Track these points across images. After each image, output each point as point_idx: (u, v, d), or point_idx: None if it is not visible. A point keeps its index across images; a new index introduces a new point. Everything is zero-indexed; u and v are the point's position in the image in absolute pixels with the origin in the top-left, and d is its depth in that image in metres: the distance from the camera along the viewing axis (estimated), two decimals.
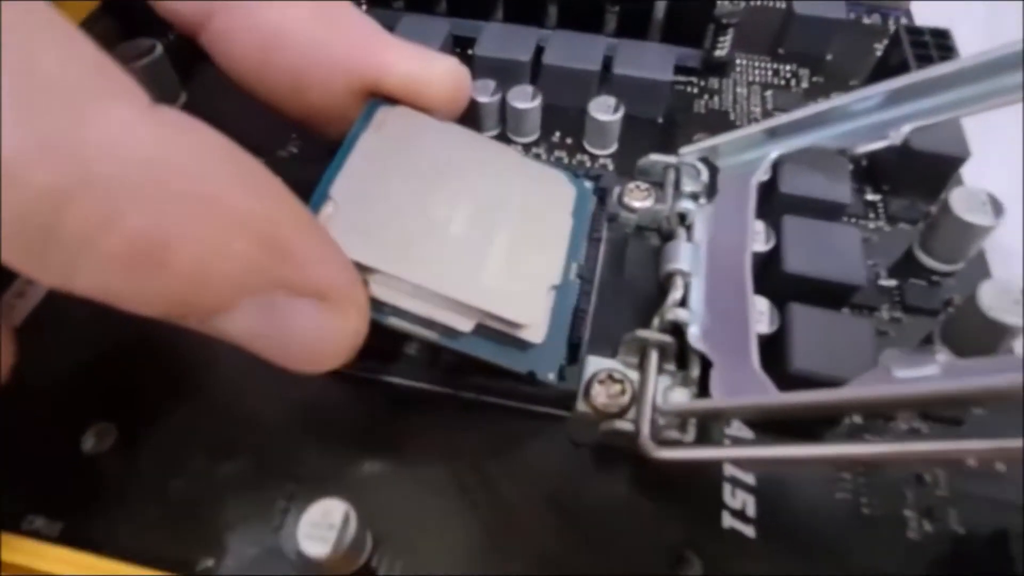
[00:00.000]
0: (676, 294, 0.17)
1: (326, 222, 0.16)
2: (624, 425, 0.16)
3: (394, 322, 0.16)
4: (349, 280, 0.14)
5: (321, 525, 0.14)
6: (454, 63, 0.19)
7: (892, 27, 0.28)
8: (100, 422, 0.17)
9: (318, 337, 0.14)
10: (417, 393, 0.18)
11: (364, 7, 0.26)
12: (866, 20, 0.28)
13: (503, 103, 0.22)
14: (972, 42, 0.21)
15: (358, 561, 0.15)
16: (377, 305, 0.15)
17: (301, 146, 0.23)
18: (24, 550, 0.14)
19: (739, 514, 0.15)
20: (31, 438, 0.16)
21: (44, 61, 0.11)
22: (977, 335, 0.17)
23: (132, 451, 0.16)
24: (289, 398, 0.17)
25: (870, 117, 0.18)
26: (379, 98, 0.19)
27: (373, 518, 0.15)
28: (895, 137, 0.17)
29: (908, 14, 0.28)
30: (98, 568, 0.14)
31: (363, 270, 0.15)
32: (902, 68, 0.22)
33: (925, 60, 0.22)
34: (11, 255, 0.11)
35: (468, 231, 0.17)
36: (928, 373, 0.13)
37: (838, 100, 0.18)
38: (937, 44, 0.23)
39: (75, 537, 0.15)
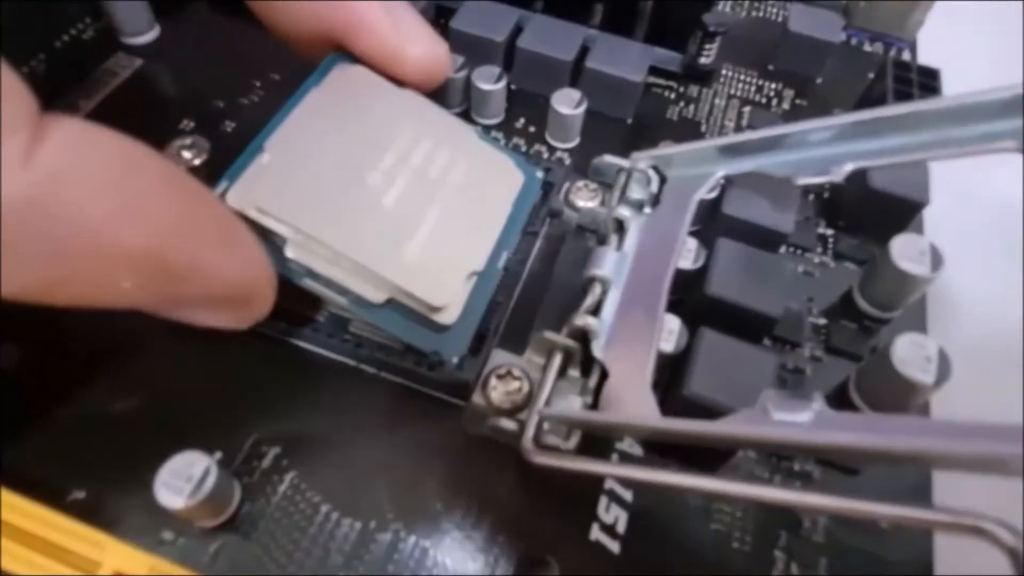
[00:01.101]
0: (590, 300, 0.17)
1: (256, 175, 0.16)
2: (508, 424, 0.16)
3: (308, 284, 0.16)
4: (251, 279, 0.14)
5: (180, 475, 0.14)
6: (435, 49, 0.18)
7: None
8: (6, 342, 0.17)
9: (218, 324, 0.15)
10: (322, 361, 0.17)
11: None
12: (866, 48, 0.27)
13: (469, 81, 0.22)
14: (979, 83, 0.21)
15: (219, 516, 0.15)
16: (293, 265, 0.15)
17: (264, 95, 0.23)
18: None
19: (609, 528, 0.15)
20: None
21: None
22: (888, 388, 0.17)
23: (31, 373, 0.17)
24: (197, 345, 0.17)
25: (819, 150, 0.17)
26: (342, 53, 0.18)
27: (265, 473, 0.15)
28: (836, 174, 0.17)
29: (912, 48, 0.27)
30: None
31: (283, 225, 0.15)
32: (881, 102, 0.22)
33: (904, 97, 0.21)
34: None
35: (400, 203, 0.17)
36: (800, 420, 0.13)
37: (790, 127, 0.17)
38: (922, 83, 0.22)
39: None
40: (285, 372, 0.17)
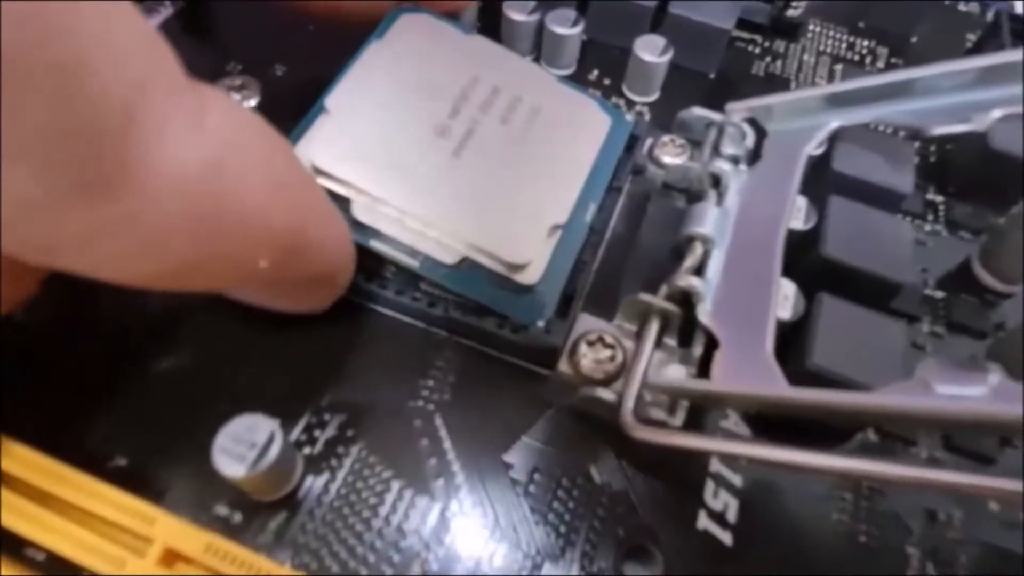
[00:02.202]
0: (692, 260, 0.15)
1: (317, 135, 0.15)
2: (606, 394, 0.14)
3: (376, 246, 0.15)
4: (346, 260, 0.14)
5: (243, 441, 0.12)
6: None
7: (990, 19, 0.25)
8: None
9: (304, 303, 0.14)
10: (391, 322, 0.16)
11: None
12: (962, 7, 0.25)
13: (540, 26, 0.20)
14: None
15: (281, 489, 0.13)
16: (360, 227, 0.15)
17: (318, 37, 0.21)
18: None
19: (718, 517, 0.14)
20: None
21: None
22: None
23: (65, 327, 0.15)
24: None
25: (954, 96, 0.15)
26: (406, 5, 0.17)
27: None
28: (979, 122, 0.15)
29: (1011, 7, 0.25)
30: None
31: (347, 188, 0.14)
32: None
33: None
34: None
35: (473, 154, 0.15)
36: (975, 393, 0.11)
37: (919, 71, 0.15)
38: None
39: None
40: (349, 333, 0.15)
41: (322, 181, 0.14)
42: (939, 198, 0.19)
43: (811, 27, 0.23)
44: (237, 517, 0.13)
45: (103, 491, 0.12)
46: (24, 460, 0.12)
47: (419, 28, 0.17)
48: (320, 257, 0.13)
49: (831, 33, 0.23)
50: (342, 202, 0.14)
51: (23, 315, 0.15)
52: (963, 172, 0.19)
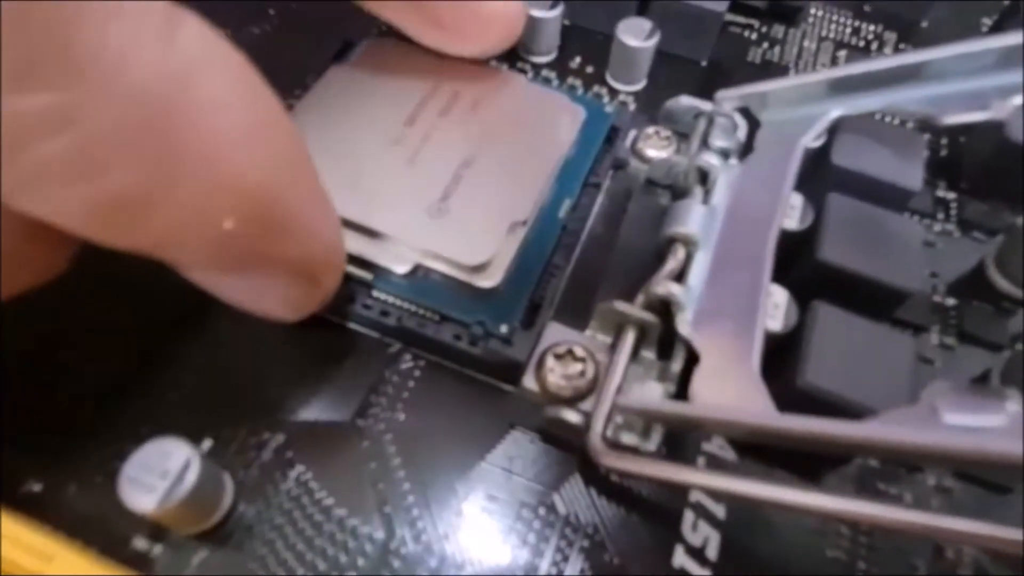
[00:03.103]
0: (673, 264, 0.14)
1: None
2: (572, 416, 0.12)
3: None
4: (334, 249, 0.12)
5: (153, 469, 0.11)
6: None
7: (1008, 0, 0.23)
8: None
9: (290, 303, 0.12)
10: (338, 332, 0.14)
11: None
12: None
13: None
14: None
15: (205, 521, 0.12)
16: None
17: (279, 25, 0.20)
18: None
19: (696, 553, 0.12)
20: None
21: None
22: None
23: None
24: (181, 312, 0.14)
25: (971, 81, 0.14)
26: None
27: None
28: (999, 110, 0.13)
29: None
30: None
31: None
32: None
33: None
34: None
35: (428, 160, 0.15)
36: (991, 424, 0.09)
37: (930, 52, 0.14)
38: None
39: None
40: (291, 343, 0.14)
41: None
42: (951, 195, 0.18)
43: (812, 11, 0.21)
44: (156, 551, 0.12)
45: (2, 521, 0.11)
46: None
47: (383, 51, 0.17)
48: (300, 242, 0.11)
49: (834, 17, 0.22)
50: None
51: None
52: (978, 166, 0.17)
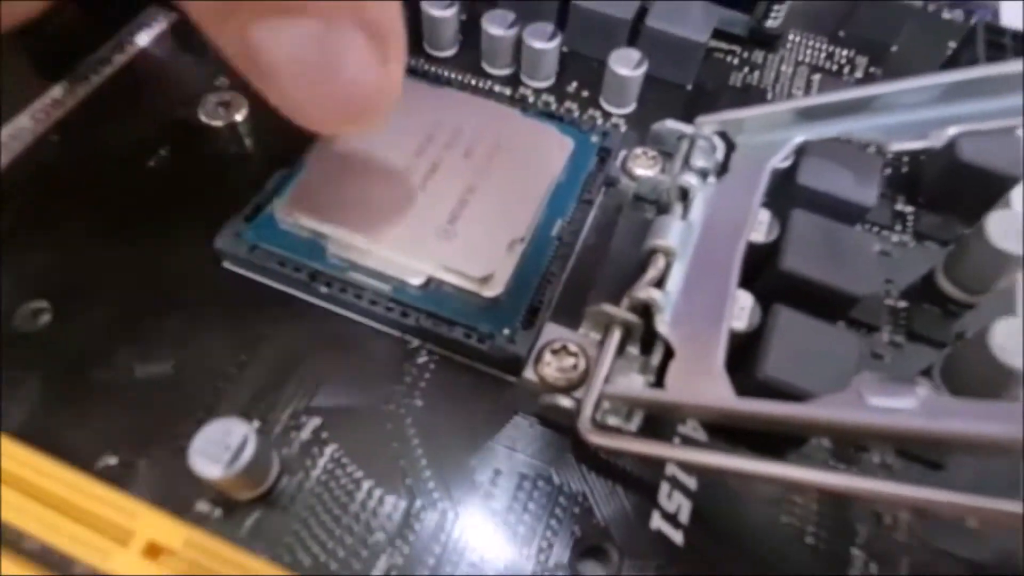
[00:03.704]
0: (653, 272, 0.16)
1: (299, 188, 0.17)
2: (564, 401, 0.15)
3: (352, 276, 0.16)
4: (401, 31, 0.12)
5: (218, 444, 0.13)
6: None
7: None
8: (37, 300, 0.16)
9: (364, 79, 0.12)
10: (366, 331, 0.16)
11: None
12: (946, 15, 0.25)
13: (519, 40, 0.21)
14: None
15: (257, 488, 0.14)
16: (335, 260, 0.16)
17: None
18: None
19: (670, 517, 0.14)
20: None
21: None
22: (981, 376, 0.15)
23: (60, 335, 0.16)
24: (233, 310, 0.16)
25: (915, 113, 0.16)
26: None
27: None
28: (936, 139, 0.15)
29: (995, 14, 0.25)
30: None
31: (324, 228, 0.16)
32: None
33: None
34: None
35: (437, 186, 0.17)
36: (903, 406, 0.11)
37: (882, 87, 0.16)
38: (1017, 49, 0.20)
39: None
40: (326, 341, 0.16)
41: (306, 223, 0.17)
42: (908, 208, 0.20)
43: (791, 37, 0.23)
44: (217, 513, 0.14)
45: (91, 488, 0.13)
46: (22, 460, 0.13)
47: None
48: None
49: (810, 43, 0.23)
50: (322, 240, 0.17)
51: (21, 321, 0.16)
52: (933, 183, 0.19)
